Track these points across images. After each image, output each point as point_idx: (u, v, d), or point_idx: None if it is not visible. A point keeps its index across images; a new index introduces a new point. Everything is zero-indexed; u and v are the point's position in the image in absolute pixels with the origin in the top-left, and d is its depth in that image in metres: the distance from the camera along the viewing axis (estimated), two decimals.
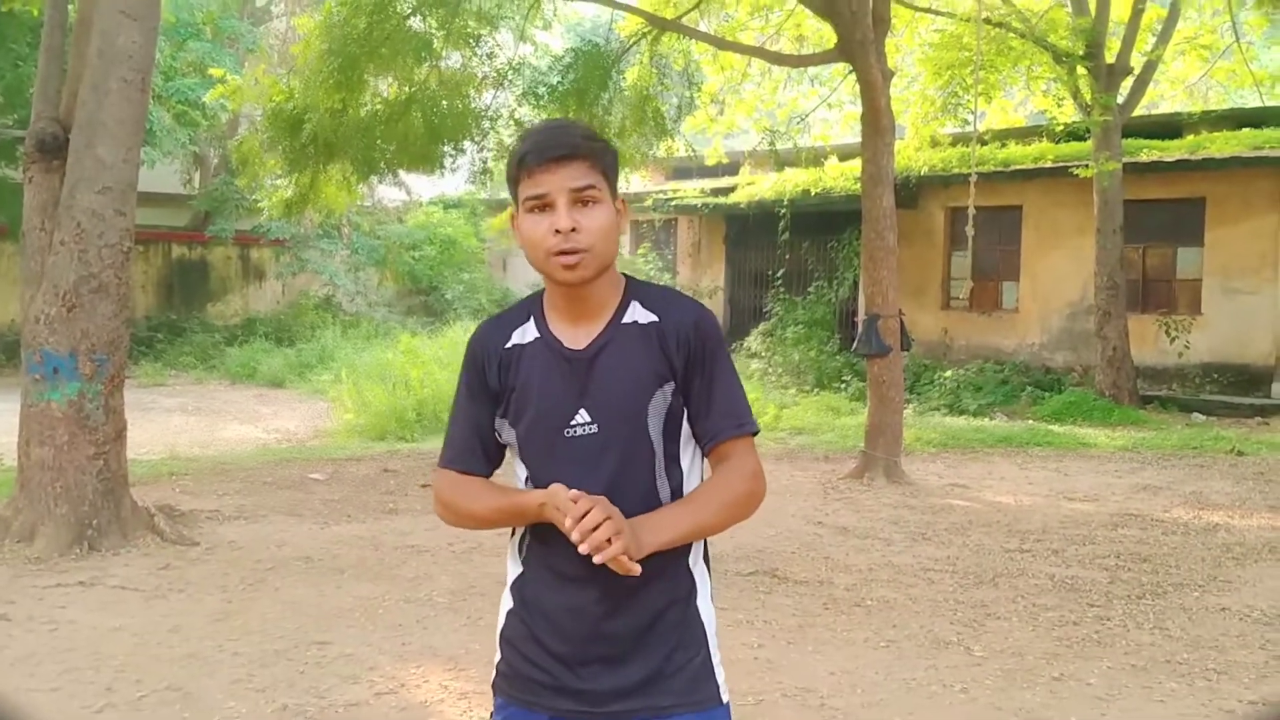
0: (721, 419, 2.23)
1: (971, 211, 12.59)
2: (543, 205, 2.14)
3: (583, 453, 2.17)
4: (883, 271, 10.71)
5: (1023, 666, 5.43)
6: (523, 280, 28.57)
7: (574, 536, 2.00)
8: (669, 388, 2.20)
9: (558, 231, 2.12)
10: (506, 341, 2.26)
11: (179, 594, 6.49)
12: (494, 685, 2.32)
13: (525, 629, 2.25)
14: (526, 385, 2.21)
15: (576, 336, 2.23)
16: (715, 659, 2.26)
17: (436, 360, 15.80)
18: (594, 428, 2.18)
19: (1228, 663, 5.52)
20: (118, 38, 7.43)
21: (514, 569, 2.30)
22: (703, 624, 2.25)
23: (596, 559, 2.00)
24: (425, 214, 28.61)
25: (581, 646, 2.18)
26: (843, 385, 17.91)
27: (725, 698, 2.24)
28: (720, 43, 14.17)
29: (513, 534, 2.32)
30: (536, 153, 2.14)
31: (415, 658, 5.46)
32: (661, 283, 2.45)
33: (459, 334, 18.76)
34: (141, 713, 4.67)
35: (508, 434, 2.26)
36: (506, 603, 2.32)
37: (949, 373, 17.79)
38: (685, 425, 2.24)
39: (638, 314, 2.24)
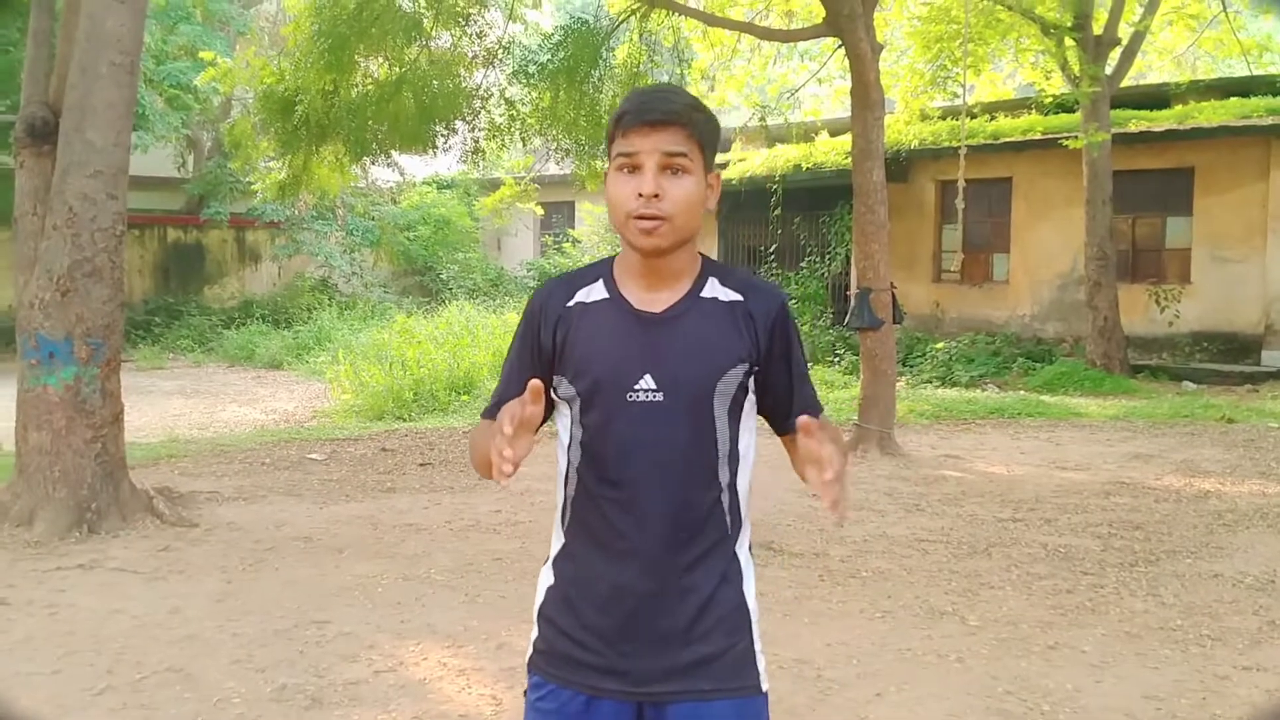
0: (805, 401, 2.22)
1: (961, 184, 12.63)
2: (631, 166, 2.10)
3: (643, 420, 2.11)
4: (874, 245, 10.72)
5: (1017, 635, 5.48)
6: (516, 260, 28.57)
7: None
8: (742, 369, 2.15)
9: (640, 195, 2.08)
10: (569, 300, 2.20)
11: (178, 575, 6.52)
12: (530, 663, 2.25)
13: (567, 605, 2.20)
14: (589, 343, 2.15)
15: (650, 302, 2.17)
16: (757, 647, 2.20)
17: (432, 340, 15.84)
18: (659, 395, 2.11)
19: (1221, 629, 5.57)
20: (106, 21, 7.41)
21: (556, 542, 2.26)
22: (748, 611, 2.20)
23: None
24: (419, 194, 28.57)
25: (625, 624, 2.13)
26: (836, 359, 17.95)
27: (765, 687, 2.20)
28: (710, 19, 14.15)
29: (556, 504, 2.27)
30: (635, 113, 2.10)
31: (414, 635, 5.50)
32: None
33: (454, 314, 18.78)
34: (141, 694, 4.70)
35: (565, 390, 2.17)
36: (546, 578, 2.26)
37: (941, 345, 17.84)
38: (749, 409, 2.21)
39: (718, 291, 2.20)
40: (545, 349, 2.19)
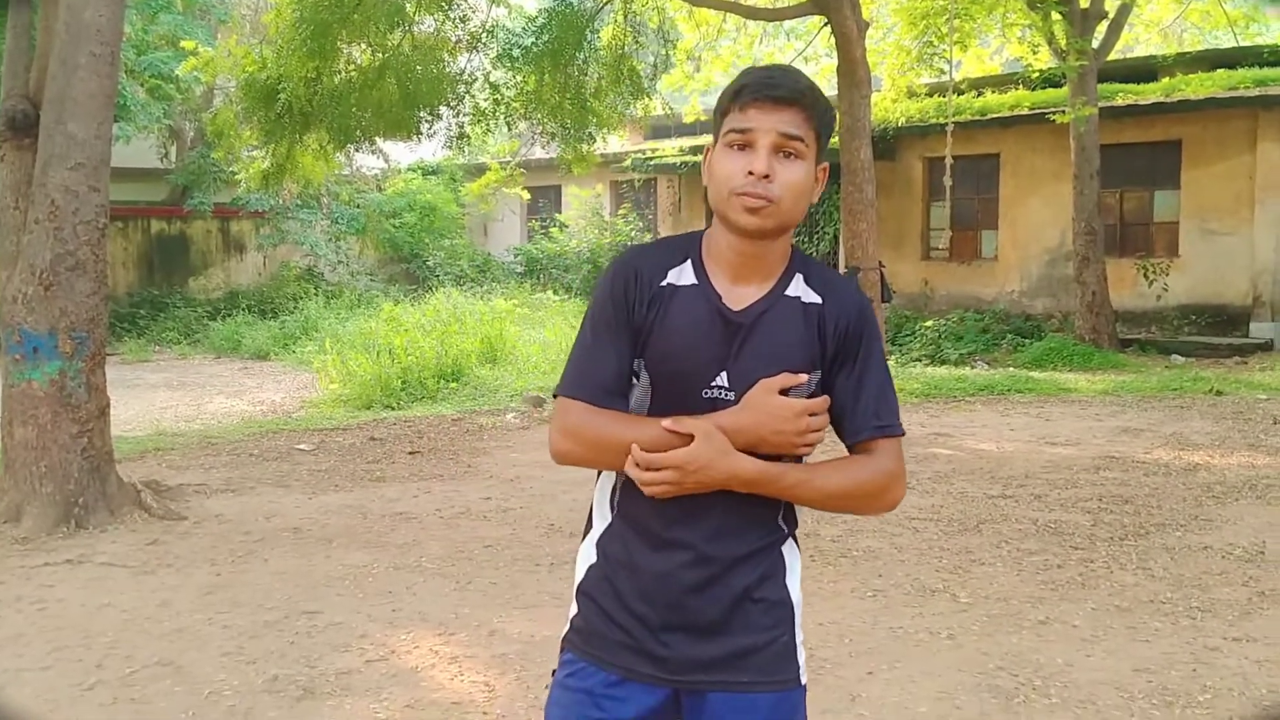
0: (868, 415, 2.11)
1: (949, 161, 12.63)
2: (744, 143, 2.01)
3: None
4: (862, 224, 10.72)
5: (1009, 611, 5.49)
6: (503, 245, 28.50)
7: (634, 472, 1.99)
8: (814, 377, 2.09)
9: (751, 173, 1.99)
10: (662, 278, 2.10)
11: (167, 569, 6.50)
12: (565, 639, 2.19)
13: (609, 585, 2.13)
14: (675, 332, 2.06)
15: (736, 295, 2.09)
16: (799, 639, 2.17)
17: (419, 328, 15.78)
18: (730, 395, 2.05)
19: (1211, 601, 5.59)
20: (85, 12, 7.35)
21: (601, 521, 2.18)
22: (792, 604, 2.15)
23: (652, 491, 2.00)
24: (404, 181, 28.46)
25: (667, 612, 2.08)
26: None
27: (804, 680, 2.17)
28: None
29: (600, 481, 2.20)
30: (756, 88, 2.01)
31: (405, 624, 5.49)
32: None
33: (441, 301, 18.74)
34: (132, 688, 4.68)
35: (640, 372, 2.09)
36: (588, 556, 2.19)
37: (930, 323, 17.84)
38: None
39: (801, 290, 2.12)
40: (639, 324, 2.08)
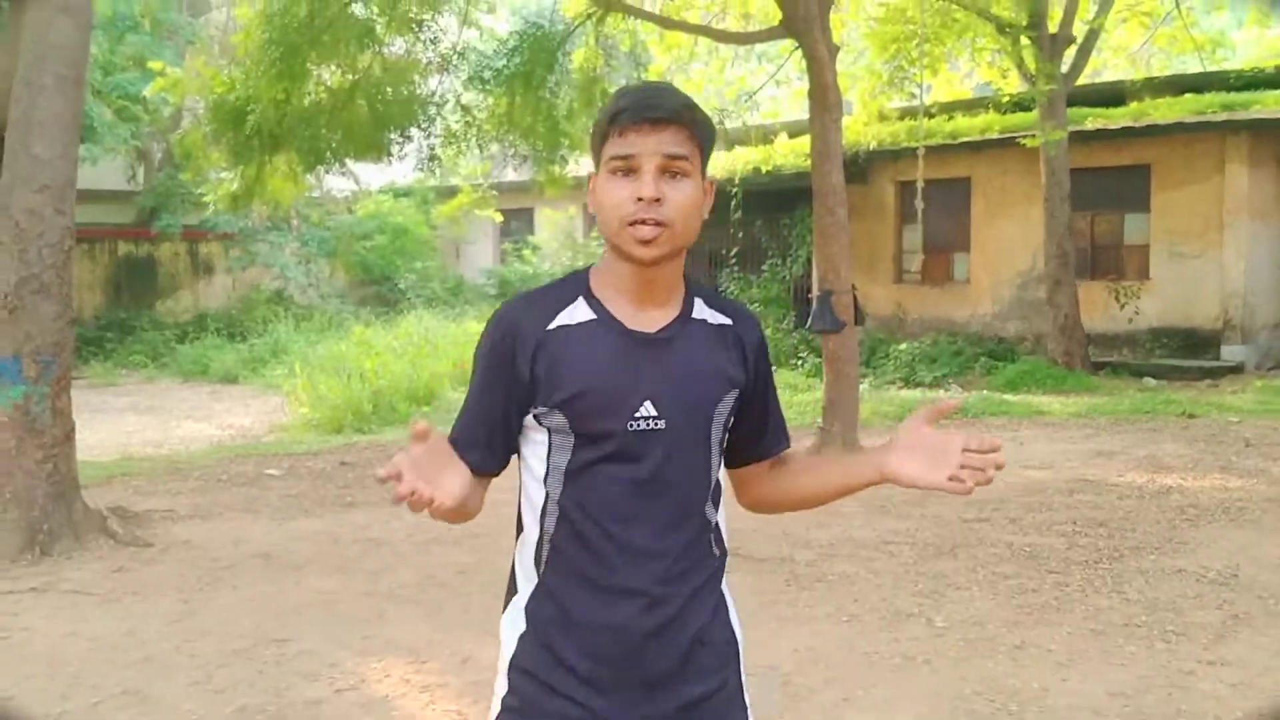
0: (780, 431, 2.20)
1: (920, 184, 12.66)
2: (628, 169, 1.93)
3: (643, 450, 1.96)
4: (834, 247, 10.70)
5: (984, 635, 5.47)
6: (476, 268, 28.44)
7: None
8: (733, 396, 2.05)
9: (640, 199, 1.91)
10: (549, 323, 1.98)
11: (134, 596, 6.41)
12: None
13: (548, 654, 1.99)
14: (582, 368, 1.95)
15: (642, 321, 2.01)
16: (744, 678, 2.11)
17: (391, 350, 15.70)
18: (660, 423, 1.97)
19: (1185, 624, 5.58)
20: (49, 33, 7.29)
21: (526, 584, 2.04)
22: (737, 642, 2.10)
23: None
24: (375, 203, 28.37)
25: (620, 668, 1.97)
26: (799, 362, 17.95)
27: (751, 718, 2.11)
28: (666, 22, 14.12)
29: (521, 541, 2.08)
30: (634, 110, 1.93)
31: (376, 652, 5.42)
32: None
33: (413, 324, 18.65)
34: (98, 718, 4.61)
35: (552, 419, 1.97)
36: (516, 625, 2.04)
37: (903, 346, 17.87)
38: (724, 437, 2.09)
39: (706, 313, 2.07)
40: (523, 379, 1.97)
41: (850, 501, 8.48)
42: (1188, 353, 16.71)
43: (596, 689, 1.96)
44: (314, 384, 14.57)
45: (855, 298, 10.79)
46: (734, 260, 20.75)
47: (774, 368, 2.25)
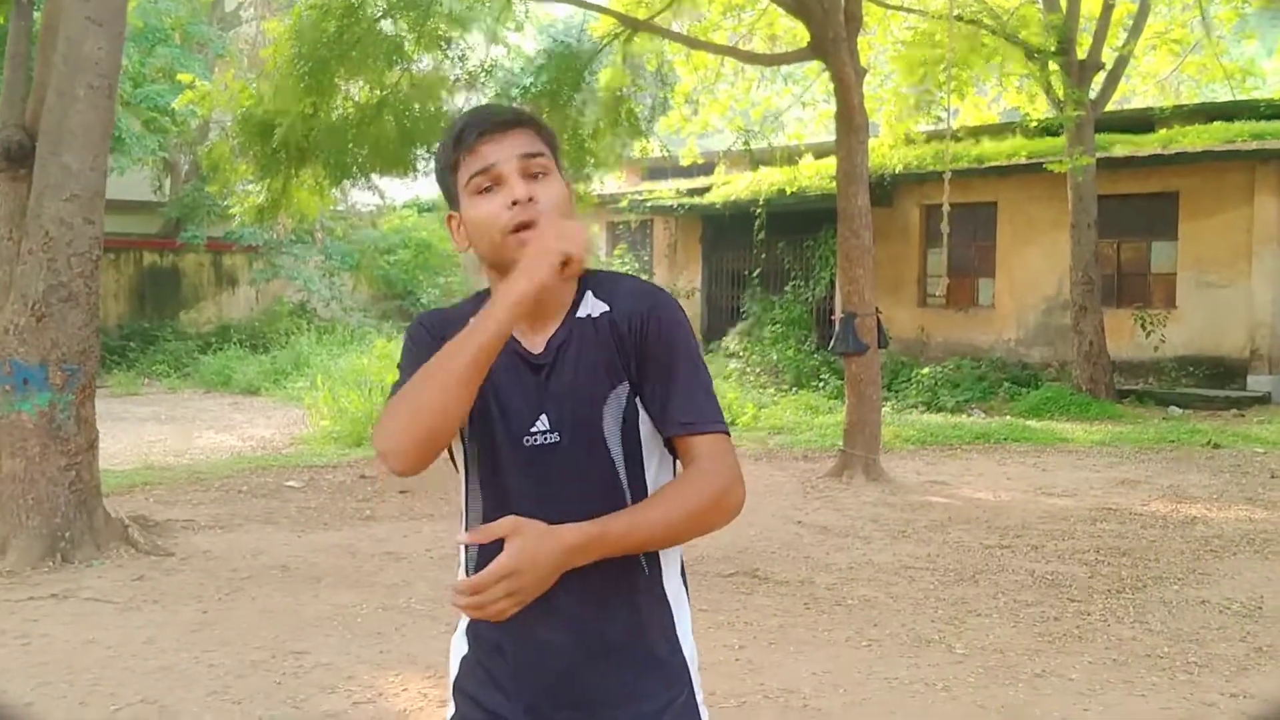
0: (682, 413, 1.94)
1: (946, 208, 12.61)
2: (491, 181, 1.91)
3: (541, 464, 1.94)
4: (859, 270, 10.69)
5: (1004, 663, 5.42)
6: None
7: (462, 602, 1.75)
8: (623, 390, 1.95)
9: (514, 203, 1.89)
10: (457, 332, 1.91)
11: (153, 605, 6.42)
12: None
13: (485, 675, 1.99)
14: (483, 388, 1.86)
15: (535, 336, 1.98)
16: (699, 697, 2.03)
17: None
18: (554, 436, 1.94)
19: (1208, 655, 5.52)
20: (83, 44, 7.34)
21: None
22: (685, 657, 2.02)
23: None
24: (399, 218, 28.48)
25: (554, 689, 1.94)
26: (821, 384, 17.89)
27: None
28: (693, 42, 14.15)
29: (461, 561, 2.06)
30: (478, 123, 1.93)
31: (394, 666, 5.41)
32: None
33: None
34: None
35: (465, 430, 1.97)
36: (459, 648, 2.06)
37: (926, 370, 17.79)
38: (650, 434, 1.98)
39: (591, 306, 1.99)
40: None
41: (870, 525, 8.49)
42: (1214, 382, 16.60)
43: (534, 713, 1.95)
44: (335, 397, 14.59)
45: (879, 320, 10.77)
46: (757, 281, 20.73)
47: (693, 355, 2.01)
